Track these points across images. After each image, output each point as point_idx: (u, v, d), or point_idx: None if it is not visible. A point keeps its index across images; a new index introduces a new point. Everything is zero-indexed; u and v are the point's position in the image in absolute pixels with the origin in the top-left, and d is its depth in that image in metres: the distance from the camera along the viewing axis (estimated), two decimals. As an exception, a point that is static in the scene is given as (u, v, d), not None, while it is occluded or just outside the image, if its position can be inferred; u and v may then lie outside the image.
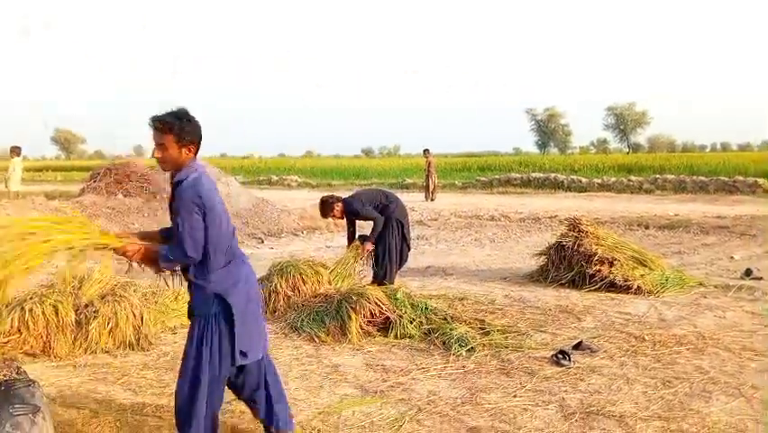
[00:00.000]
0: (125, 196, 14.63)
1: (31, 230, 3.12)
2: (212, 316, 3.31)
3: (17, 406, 2.82)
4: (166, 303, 6.16)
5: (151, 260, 3.23)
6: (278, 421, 3.60)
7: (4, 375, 3.01)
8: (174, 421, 3.44)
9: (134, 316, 5.57)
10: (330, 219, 7.32)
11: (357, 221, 7.42)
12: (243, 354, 3.36)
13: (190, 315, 3.42)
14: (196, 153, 3.30)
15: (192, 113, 3.28)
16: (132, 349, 5.43)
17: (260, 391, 3.57)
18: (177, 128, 3.18)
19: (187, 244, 3.14)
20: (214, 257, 3.26)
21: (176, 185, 3.23)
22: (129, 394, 4.48)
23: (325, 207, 7.15)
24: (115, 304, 5.56)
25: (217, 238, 3.24)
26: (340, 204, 7.12)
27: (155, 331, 5.75)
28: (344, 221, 7.45)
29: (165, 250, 3.20)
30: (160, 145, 3.21)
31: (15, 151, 16.09)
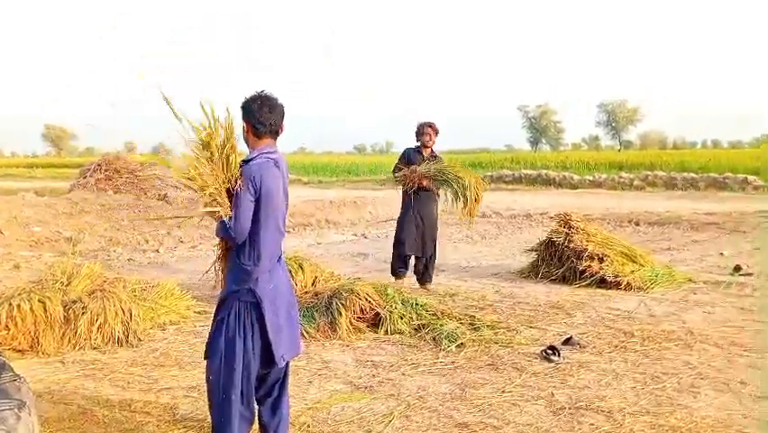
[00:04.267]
0: (116, 192, 14.57)
1: None
2: (248, 304, 3.30)
3: (2, 401, 2.80)
4: (155, 300, 6.13)
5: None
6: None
7: (-10, 371, 2.98)
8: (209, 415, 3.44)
9: (123, 312, 5.53)
10: (425, 141, 7.59)
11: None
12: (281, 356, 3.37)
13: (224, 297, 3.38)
14: (265, 137, 3.33)
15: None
16: (121, 345, 5.40)
17: (273, 393, 3.53)
18: (243, 111, 3.32)
19: (236, 222, 3.19)
20: (263, 244, 3.26)
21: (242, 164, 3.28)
22: (117, 390, 4.46)
23: (430, 127, 7.54)
24: (104, 300, 5.53)
25: (267, 223, 3.26)
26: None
27: (144, 327, 5.72)
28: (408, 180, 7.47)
29: (227, 221, 3.26)
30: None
31: None
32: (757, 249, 10.39)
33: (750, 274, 8.23)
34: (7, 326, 5.25)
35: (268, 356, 3.34)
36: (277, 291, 3.38)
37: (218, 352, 3.29)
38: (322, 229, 14.31)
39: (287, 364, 3.53)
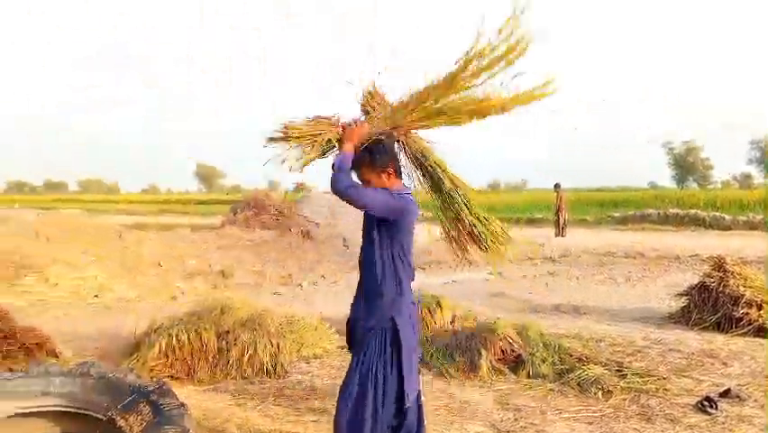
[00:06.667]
0: (262, 229, 15.27)
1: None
2: (382, 339, 3.20)
3: (167, 427, 2.97)
4: (301, 333, 6.34)
5: (347, 149, 3.30)
6: None
7: (156, 397, 3.18)
8: None
9: (271, 344, 5.78)
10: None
11: None
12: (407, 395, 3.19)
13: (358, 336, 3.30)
14: (397, 175, 3.39)
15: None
16: (269, 376, 5.61)
17: None
18: (367, 159, 3.29)
19: (363, 190, 3.19)
20: (405, 274, 3.29)
21: None
22: (267, 421, 4.61)
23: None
24: (254, 332, 5.80)
25: (409, 247, 3.31)
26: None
27: (290, 360, 5.92)
28: None
29: (343, 159, 3.25)
30: (364, 182, 3.33)
31: None
32: None
33: None
34: (166, 354, 5.61)
35: (398, 396, 3.18)
36: (413, 325, 3.34)
37: (350, 395, 3.15)
38: (457, 267, 14.26)
39: (420, 412, 3.39)
